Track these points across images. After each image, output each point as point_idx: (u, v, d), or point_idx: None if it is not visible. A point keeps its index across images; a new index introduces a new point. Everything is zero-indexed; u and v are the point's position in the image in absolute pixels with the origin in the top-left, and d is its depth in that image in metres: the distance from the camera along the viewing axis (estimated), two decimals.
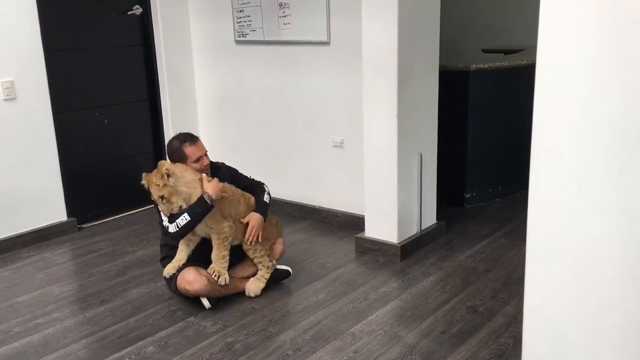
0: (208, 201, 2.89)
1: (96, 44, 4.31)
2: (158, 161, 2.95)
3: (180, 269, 3.02)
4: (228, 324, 2.92)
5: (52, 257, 3.82)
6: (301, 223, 4.25)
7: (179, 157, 3.07)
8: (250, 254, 3.17)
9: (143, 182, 2.90)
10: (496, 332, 2.77)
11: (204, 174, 3.00)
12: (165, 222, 2.95)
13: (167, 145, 3.18)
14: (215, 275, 2.98)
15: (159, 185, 2.81)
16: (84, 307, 3.16)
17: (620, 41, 1.56)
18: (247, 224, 3.12)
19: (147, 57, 4.61)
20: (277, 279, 3.28)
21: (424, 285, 3.27)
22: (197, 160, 3.06)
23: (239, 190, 3.17)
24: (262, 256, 3.17)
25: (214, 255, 3.01)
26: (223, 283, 2.99)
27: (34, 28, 3.88)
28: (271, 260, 3.21)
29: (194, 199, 2.89)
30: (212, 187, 2.93)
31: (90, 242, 4.06)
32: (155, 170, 2.86)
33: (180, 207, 2.87)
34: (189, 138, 3.11)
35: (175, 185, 2.84)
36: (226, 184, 3.10)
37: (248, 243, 3.11)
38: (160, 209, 2.92)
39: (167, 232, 2.97)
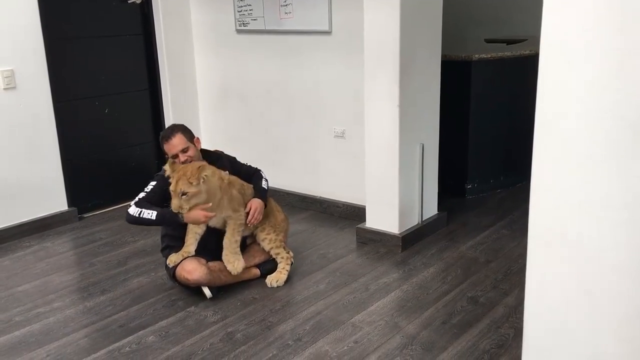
0: (179, 220, 2.91)
1: (96, 32, 4.29)
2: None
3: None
4: (229, 314, 2.92)
5: (53, 247, 3.83)
6: (302, 213, 4.25)
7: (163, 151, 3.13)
8: (265, 245, 3.18)
9: (167, 168, 2.86)
10: (497, 322, 2.77)
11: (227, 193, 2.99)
12: (134, 201, 2.98)
13: None
14: (230, 264, 3.02)
15: (191, 183, 2.79)
16: (84, 296, 3.16)
17: (624, 30, 1.54)
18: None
19: (147, 46, 4.59)
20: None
21: (424, 275, 3.26)
22: (174, 157, 3.05)
23: (240, 181, 3.18)
24: (278, 247, 3.19)
25: (227, 240, 3.03)
26: (240, 269, 3.04)
27: (34, 16, 3.86)
28: (288, 252, 3.23)
29: (215, 203, 2.92)
30: (193, 215, 2.90)
31: (90, 232, 4.06)
32: (194, 168, 2.83)
33: (188, 209, 2.85)
34: (166, 135, 3.07)
35: (203, 187, 2.84)
36: (234, 177, 3.12)
37: (249, 225, 3.11)
38: (171, 202, 2.84)
39: (127, 211, 2.97)
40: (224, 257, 3.04)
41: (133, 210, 2.95)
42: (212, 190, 2.91)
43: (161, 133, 3.13)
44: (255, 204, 3.12)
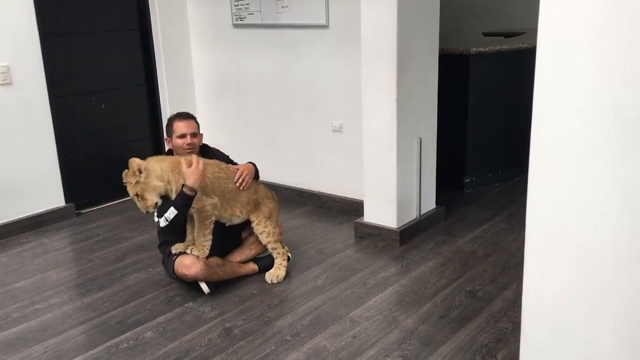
0: (189, 193, 2.86)
1: (92, 27, 4.27)
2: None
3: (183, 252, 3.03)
4: (226, 309, 2.92)
5: (51, 243, 3.81)
6: (300, 208, 4.24)
7: (169, 131, 3.15)
8: (263, 238, 3.16)
9: (124, 181, 2.87)
10: (495, 316, 2.77)
11: (182, 158, 2.93)
12: (156, 218, 2.95)
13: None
14: (191, 250, 2.98)
15: (131, 183, 2.82)
16: (82, 292, 3.15)
17: (621, 24, 1.53)
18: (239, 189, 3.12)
19: (144, 41, 4.57)
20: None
21: (423, 270, 3.26)
22: (181, 136, 3.08)
23: (230, 167, 3.16)
24: (275, 242, 3.17)
25: (195, 233, 3.00)
26: (196, 254, 2.97)
27: (29, 12, 3.84)
28: (284, 247, 3.22)
29: (176, 186, 2.87)
30: (191, 176, 2.87)
31: (88, 228, 4.05)
32: (131, 168, 2.83)
33: (156, 204, 2.85)
34: (183, 114, 3.17)
35: (148, 181, 2.82)
36: (212, 161, 3.08)
37: (237, 185, 3.08)
38: (138, 206, 2.87)
39: (159, 227, 2.99)
40: (189, 247, 3.01)
41: (162, 222, 2.91)
42: (165, 173, 2.87)
43: (176, 113, 3.18)
44: (244, 167, 3.15)
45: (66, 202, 4.20)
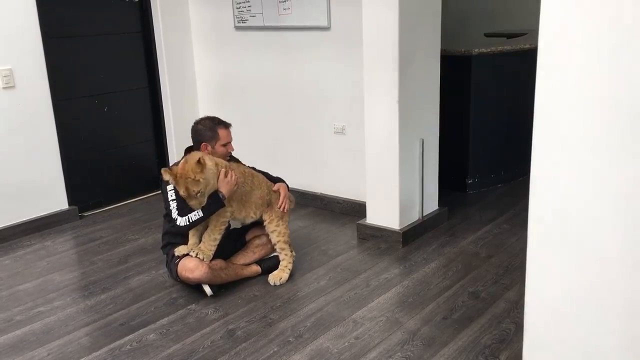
0: (222, 200, 2.90)
1: (95, 31, 4.28)
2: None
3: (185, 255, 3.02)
4: (229, 311, 2.92)
5: (54, 246, 3.82)
6: (303, 210, 4.24)
7: (209, 136, 3.06)
8: (274, 237, 3.16)
9: (167, 178, 2.77)
10: (498, 317, 2.76)
11: (223, 169, 2.94)
12: (175, 214, 2.93)
13: (197, 123, 3.13)
14: (195, 253, 2.96)
15: (198, 180, 2.73)
16: (85, 295, 3.16)
17: (622, 21, 1.53)
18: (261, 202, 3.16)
19: (146, 44, 4.58)
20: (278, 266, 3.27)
21: (425, 271, 3.26)
22: (226, 144, 3.08)
23: (255, 173, 3.20)
24: (284, 242, 3.17)
25: (205, 235, 3.00)
26: (201, 257, 2.95)
27: (32, 15, 3.85)
28: (292, 250, 3.23)
29: (211, 188, 2.86)
30: (225, 185, 2.91)
31: (91, 230, 4.05)
32: (186, 164, 2.75)
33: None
34: (224, 122, 3.14)
35: (207, 176, 2.79)
36: (237, 168, 3.09)
37: (281, 210, 3.18)
38: (189, 204, 2.81)
39: (176, 225, 2.94)
40: (194, 248, 2.98)
41: (182, 221, 2.91)
42: (213, 171, 2.86)
43: (213, 119, 3.11)
44: (284, 189, 3.23)
45: (69, 204, 4.21)
